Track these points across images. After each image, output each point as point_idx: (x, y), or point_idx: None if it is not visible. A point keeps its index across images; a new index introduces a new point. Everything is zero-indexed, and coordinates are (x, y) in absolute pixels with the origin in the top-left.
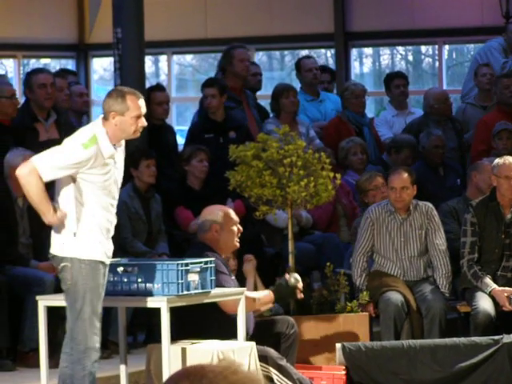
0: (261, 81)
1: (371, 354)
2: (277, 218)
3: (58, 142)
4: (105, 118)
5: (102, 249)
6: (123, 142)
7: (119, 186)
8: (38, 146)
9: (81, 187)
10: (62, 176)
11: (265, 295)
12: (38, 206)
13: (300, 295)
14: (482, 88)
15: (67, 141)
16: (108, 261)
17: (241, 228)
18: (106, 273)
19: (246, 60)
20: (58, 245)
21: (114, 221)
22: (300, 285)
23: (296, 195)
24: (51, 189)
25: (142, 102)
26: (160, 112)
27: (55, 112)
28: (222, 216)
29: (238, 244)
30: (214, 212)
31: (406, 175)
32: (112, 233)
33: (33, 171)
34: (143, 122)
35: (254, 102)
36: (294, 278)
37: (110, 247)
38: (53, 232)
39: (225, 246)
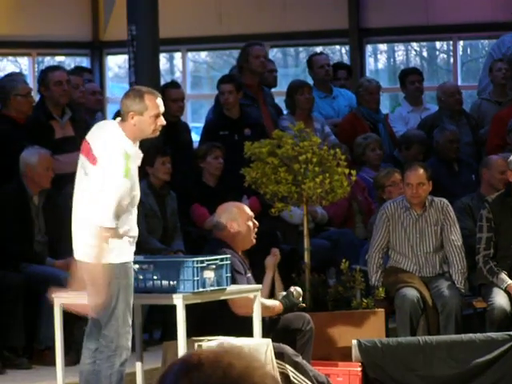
0: (276, 77)
1: (387, 351)
2: (292, 215)
3: (74, 139)
4: (123, 120)
5: (131, 249)
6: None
7: (137, 184)
8: (54, 144)
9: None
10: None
11: (274, 305)
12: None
13: (301, 306)
14: (497, 83)
15: (109, 177)
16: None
17: (256, 223)
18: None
19: (261, 57)
20: (87, 250)
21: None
22: (300, 299)
23: (311, 192)
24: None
25: (159, 101)
26: (175, 109)
27: (70, 109)
28: (237, 212)
29: (254, 240)
30: (229, 209)
31: (421, 171)
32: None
33: (101, 237)
34: (162, 121)
35: (272, 99)
36: (297, 292)
37: (134, 250)
38: (81, 237)
39: (242, 242)
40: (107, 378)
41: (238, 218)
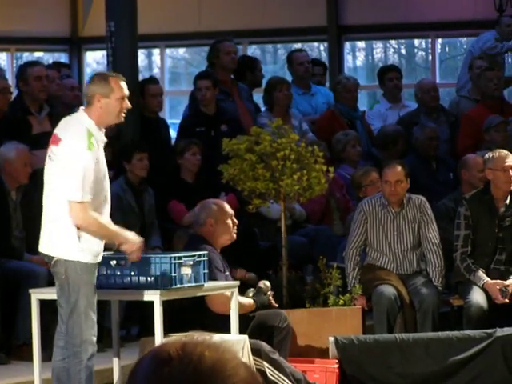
0: (262, 76)
1: (364, 348)
2: (270, 211)
3: (51, 134)
4: (89, 104)
5: (97, 251)
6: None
7: (107, 176)
8: (31, 139)
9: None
10: (92, 185)
11: (249, 303)
12: (108, 237)
13: (273, 304)
14: (476, 81)
15: (73, 152)
16: (100, 259)
17: (236, 221)
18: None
19: (232, 53)
20: (61, 247)
21: (108, 212)
22: (270, 293)
23: (289, 188)
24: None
25: (124, 84)
26: (154, 104)
27: (48, 105)
28: (216, 209)
29: (234, 236)
30: (209, 206)
31: (399, 168)
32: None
33: (82, 213)
34: (127, 104)
35: (248, 94)
36: (265, 286)
37: (103, 245)
38: (50, 233)
39: (221, 239)
40: (77, 374)
41: (217, 216)
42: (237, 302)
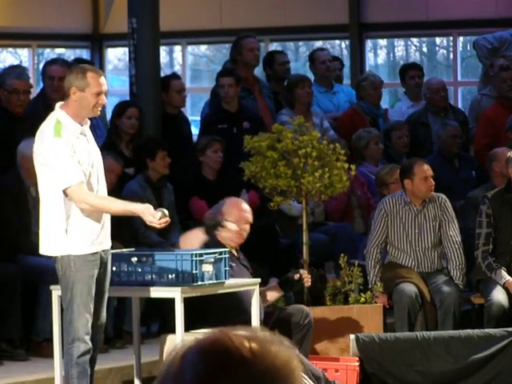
0: (289, 69)
1: (385, 346)
2: (291, 208)
3: None
4: (66, 96)
5: (93, 239)
6: (88, 121)
7: (101, 165)
8: None
9: (46, 176)
10: (80, 170)
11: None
12: (114, 210)
13: (308, 283)
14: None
15: (45, 145)
16: (105, 246)
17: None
18: (107, 261)
19: (255, 49)
20: (47, 244)
21: None
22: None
23: (310, 186)
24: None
25: (102, 80)
26: (178, 100)
27: None
28: (228, 213)
29: (245, 235)
30: (220, 208)
31: (428, 165)
32: (108, 217)
33: (78, 195)
34: (103, 100)
35: (268, 91)
36: (295, 274)
37: (106, 233)
38: (41, 230)
39: (228, 243)
40: (68, 370)
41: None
42: (258, 299)
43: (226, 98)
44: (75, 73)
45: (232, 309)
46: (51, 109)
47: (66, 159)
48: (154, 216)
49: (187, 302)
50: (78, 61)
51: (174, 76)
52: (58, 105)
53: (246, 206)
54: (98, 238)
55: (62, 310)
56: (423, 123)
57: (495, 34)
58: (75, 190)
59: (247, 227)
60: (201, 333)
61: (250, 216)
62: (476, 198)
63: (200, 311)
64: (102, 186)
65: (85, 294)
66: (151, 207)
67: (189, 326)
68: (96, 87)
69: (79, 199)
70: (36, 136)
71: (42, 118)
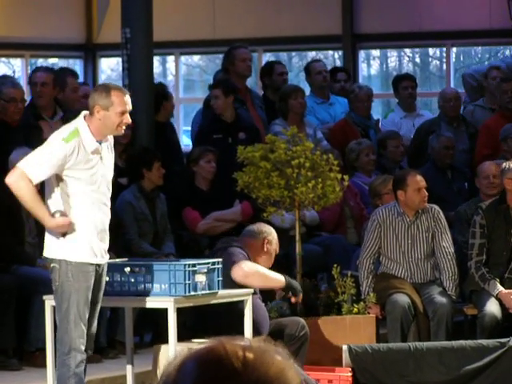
0: (287, 80)
1: (378, 356)
2: (284, 219)
3: None
4: (90, 113)
5: (92, 250)
6: (111, 139)
7: (110, 184)
8: (42, 144)
9: (68, 187)
10: (50, 174)
11: (277, 278)
12: (33, 210)
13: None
14: (491, 90)
15: (50, 138)
16: (102, 260)
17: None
18: (103, 272)
19: (247, 60)
20: (48, 246)
21: (107, 220)
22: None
23: (304, 196)
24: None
25: (127, 99)
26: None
27: (62, 109)
28: (275, 238)
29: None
30: (272, 230)
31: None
32: (107, 232)
33: (21, 176)
34: (128, 119)
35: (260, 102)
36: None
37: (104, 247)
38: (46, 233)
39: (259, 262)
40: (66, 381)
41: (272, 243)
42: (251, 308)
43: (215, 109)
44: (99, 91)
45: (233, 318)
46: (40, 117)
47: (45, 158)
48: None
49: (189, 311)
50: (64, 70)
51: (163, 85)
52: (84, 114)
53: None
54: (97, 250)
55: (55, 320)
56: (434, 132)
57: (485, 69)
58: (19, 172)
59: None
60: (196, 343)
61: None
62: (465, 211)
63: (201, 321)
64: (105, 202)
65: (81, 305)
66: (62, 223)
67: (190, 335)
68: (120, 106)
69: (12, 176)
70: None
71: (33, 127)
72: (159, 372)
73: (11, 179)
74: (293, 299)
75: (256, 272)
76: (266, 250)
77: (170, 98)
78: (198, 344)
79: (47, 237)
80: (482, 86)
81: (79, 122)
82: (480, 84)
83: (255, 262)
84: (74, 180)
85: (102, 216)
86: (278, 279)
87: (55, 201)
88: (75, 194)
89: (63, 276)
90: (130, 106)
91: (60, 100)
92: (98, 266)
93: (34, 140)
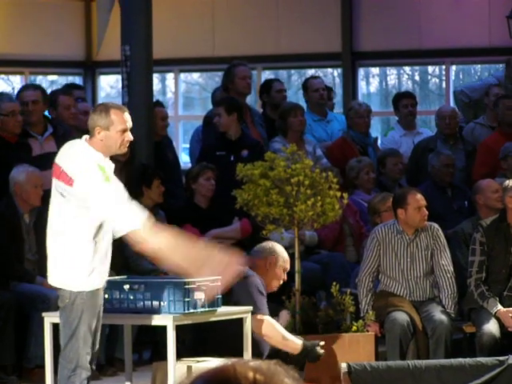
0: (285, 97)
1: (377, 374)
2: (283, 237)
3: (55, 154)
4: (91, 136)
5: (100, 276)
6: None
7: None
8: (31, 161)
9: (82, 218)
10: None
11: (293, 342)
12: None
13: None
14: (491, 108)
15: (87, 185)
16: (107, 278)
17: (285, 277)
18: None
19: (247, 78)
20: (68, 279)
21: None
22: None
23: (303, 214)
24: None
25: (126, 116)
26: (162, 127)
27: (52, 125)
28: (282, 257)
29: (275, 289)
30: (278, 248)
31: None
32: (110, 254)
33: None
34: (129, 137)
35: (260, 119)
36: (320, 346)
37: (107, 269)
38: (61, 268)
39: (267, 281)
40: None
41: (278, 260)
42: (250, 328)
43: (219, 127)
44: (98, 111)
45: (233, 336)
46: (29, 135)
47: (122, 196)
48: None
49: (191, 328)
50: (70, 86)
51: (158, 103)
52: (85, 140)
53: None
54: (104, 274)
55: (54, 336)
56: (431, 150)
57: (477, 86)
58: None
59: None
60: (195, 361)
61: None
62: (463, 230)
63: (200, 339)
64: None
65: (91, 322)
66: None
67: (192, 353)
68: (121, 124)
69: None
70: (65, 171)
71: (20, 145)
72: None
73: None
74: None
75: (274, 334)
76: (269, 266)
77: (157, 114)
78: (197, 362)
79: (63, 270)
80: (475, 102)
81: (92, 154)
82: (472, 100)
83: (265, 282)
84: (87, 211)
85: (109, 240)
86: (294, 343)
87: (72, 232)
88: (90, 228)
89: (76, 295)
90: (130, 124)
91: (54, 118)
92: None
93: (24, 158)
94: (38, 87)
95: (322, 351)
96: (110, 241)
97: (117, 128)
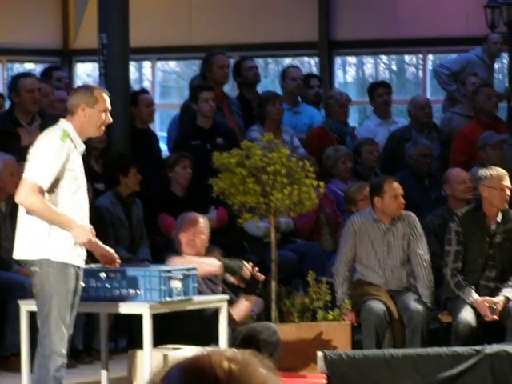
0: (258, 74)
1: (353, 363)
2: (259, 226)
3: None
4: (72, 114)
5: (74, 251)
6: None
7: (85, 187)
8: (20, 151)
9: (59, 188)
10: (55, 177)
11: (212, 264)
12: (55, 222)
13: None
14: (469, 97)
15: (43, 144)
16: (82, 263)
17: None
18: (80, 277)
19: (225, 67)
20: (29, 247)
21: (87, 221)
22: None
23: (279, 203)
24: None
25: (107, 98)
26: (148, 114)
27: (40, 117)
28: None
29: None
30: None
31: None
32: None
33: (31, 189)
34: (109, 118)
35: (237, 108)
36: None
37: (83, 250)
38: (22, 234)
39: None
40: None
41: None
42: (226, 316)
43: (208, 113)
44: (83, 90)
45: (199, 326)
46: (19, 124)
47: (50, 160)
48: (84, 237)
49: (156, 317)
50: (50, 69)
51: (143, 91)
52: (63, 120)
53: (194, 218)
54: (76, 251)
55: (30, 324)
56: (407, 140)
57: (455, 58)
58: (28, 186)
59: (200, 237)
60: (171, 348)
61: (200, 226)
62: (432, 221)
63: (168, 327)
64: (86, 203)
65: (62, 308)
66: (89, 229)
67: (158, 341)
68: (103, 104)
69: (21, 193)
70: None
71: (10, 134)
72: (137, 378)
73: (21, 197)
74: (233, 280)
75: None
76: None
77: (142, 102)
78: (173, 350)
79: (27, 237)
80: (455, 74)
81: (64, 125)
82: (452, 71)
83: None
84: (63, 181)
85: (85, 218)
86: (212, 263)
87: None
88: (63, 196)
89: (44, 279)
90: (110, 106)
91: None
92: (78, 268)
93: (12, 147)
94: (34, 75)
95: (247, 271)
96: (84, 216)
97: (100, 107)
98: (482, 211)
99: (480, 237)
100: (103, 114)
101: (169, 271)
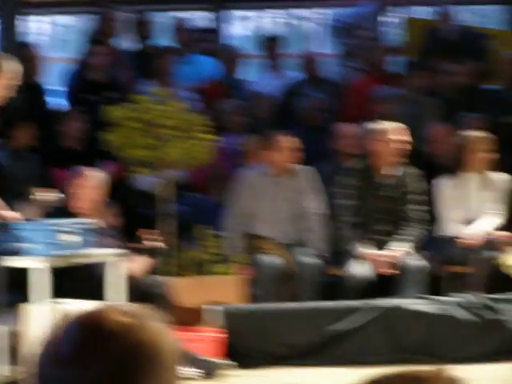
0: (154, 28)
1: (248, 317)
2: (151, 180)
3: None
4: None
5: None
6: None
7: None
8: None
9: None
10: None
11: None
12: None
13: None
14: (361, 51)
15: None
16: None
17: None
18: None
19: (117, 20)
20: None
21: None
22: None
23: (172, 157)
24: None
25: (14, 65)
26: (36, 68)
27: None
28: None
29: None
30: None
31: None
32: None
33: None
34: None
35: (132, 61)
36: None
37: None
38: None
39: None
40: None
41: None
42: (123, 271)
43: (100, 66)
44: None
45: (89, 281)
46: None
47: None
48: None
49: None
50: None
51: (31, 44)
52: None
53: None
54: None
55: None
56: (299, 94)
57: (350, 12)
58: None
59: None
60: (62, 302)
61: (86, 179)
62: (321, 173)
63: (58, 282)
64: None
65: None
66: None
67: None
68: (9, 73)
69: None
70: None
71: None
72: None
73: None
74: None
75: None
76: None
77: (32, 57)
78: (63, 304)
79: None
80: (349, 27)
81: None
82: (346, 24)
83: None
84: None
85: None
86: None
87: None
88: None
89: None
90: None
91: None
92: None
93: None
94: None
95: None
96: None
97: (6, 76)
98: (369, 164)
99: (367, 190)
100: (8, 85)
101: (57, 224)
